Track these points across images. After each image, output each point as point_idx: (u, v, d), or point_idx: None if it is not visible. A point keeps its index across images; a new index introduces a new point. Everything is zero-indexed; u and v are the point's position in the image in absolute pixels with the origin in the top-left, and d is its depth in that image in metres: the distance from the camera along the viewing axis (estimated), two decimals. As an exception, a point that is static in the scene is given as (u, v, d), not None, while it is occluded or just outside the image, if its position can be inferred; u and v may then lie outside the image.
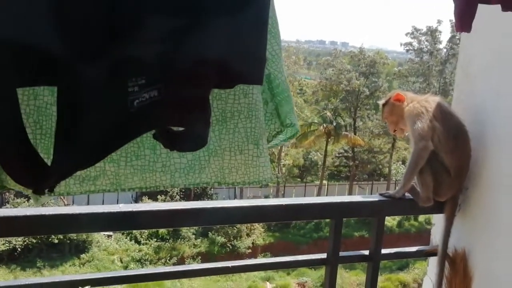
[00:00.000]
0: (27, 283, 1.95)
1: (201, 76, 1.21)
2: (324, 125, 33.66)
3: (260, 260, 2.36)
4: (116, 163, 1.41)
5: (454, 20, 1.74)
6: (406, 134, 2.53)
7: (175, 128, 1.24)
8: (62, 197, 26.36)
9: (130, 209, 1.88)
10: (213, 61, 1.22)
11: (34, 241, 23.55)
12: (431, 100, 2.42)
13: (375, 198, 2.39)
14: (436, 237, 2.53)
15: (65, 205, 21.68)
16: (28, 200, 24.89)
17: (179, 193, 28.83)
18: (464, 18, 1.62)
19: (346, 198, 2.35)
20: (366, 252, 2.39)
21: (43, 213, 1.74)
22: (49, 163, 1.08)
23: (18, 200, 25.30)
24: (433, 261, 2.53)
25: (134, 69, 1.09)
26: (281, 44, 1.55)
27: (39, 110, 1.26)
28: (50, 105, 1.26)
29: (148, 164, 1.46)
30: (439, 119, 2.35)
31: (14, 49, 0.98)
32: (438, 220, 2.55)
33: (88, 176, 1.40)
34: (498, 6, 1.53)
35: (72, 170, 1.13)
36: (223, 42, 1.25)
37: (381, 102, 2.56)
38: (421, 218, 31.39)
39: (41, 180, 1.07)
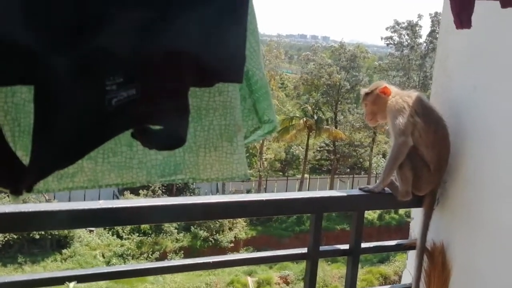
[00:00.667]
0: (12, 280, 1.95)
1: (180, 74, 1.21)
2: (306, 119, 33.76)
3: (241, 255, 2.38)
4: (93, 160, 1.41)
5: (451, 18, 1.75)
6: (385, 127, 2.55)
7: (153, 127, 1.24)
8: (43, 194, 26.20)
9: (110, 206, 1.89)
10: (191, 59, 1.22)
11: (15, 236, 23.27)
12: (413, 95, 2.44)
13: (355, 192, 2.41)
14: (415, 230, 2.57)
15: (46, 201, 21.42)
16: (8, 196, 24.57)
17: (161, 188, 28.73)
18: (463, 15, 1.63)
19: (327, 193, 2.37)
20: (346, 247, 2.42)
21: (22, 210, 1.73)
22: (27, 161, 1.07)
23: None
24: (412, 254, 2.57)
25: (111, 68, 1.08)
26: (259, 41, 1.55)
27: (17, 107, 1.25)
28: (28, 102, 1.25)
29: (125, 160, 1.46)
30: (420, 114, 2.37)
31: None
32: (417, 214, 2.58)
33: (66, 173, 1.39)
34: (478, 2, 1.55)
35: (50, 170, 1.13)
36: (201, 40, 1.25)
37: (365, 90, 2.56)
38: (401, 211, 31.66)
39: (18, 181, 1.06)
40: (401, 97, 2.43)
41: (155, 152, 1.48)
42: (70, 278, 1.89)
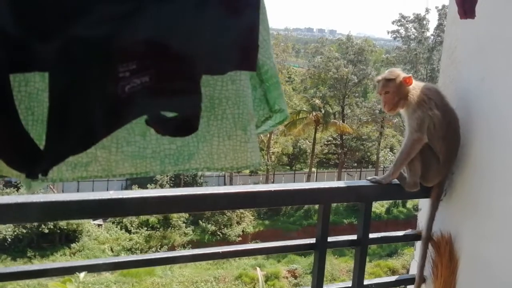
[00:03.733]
0: (24, 270, 1.97)
1: (193, 61, 1.22)
2: (313, 113, 33.69)
3: (250, 245, 2.39)
4: (107, 150, 1.42)
5: (457, 8, 1.74)
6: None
7: (166, 113, 1.25)
8: (51, 186, 26.31)
9: (120, 196, 1.90)
10: (204, 47, 1.23)
11: (25, 231, 23.43)
12: (431, 87, 2.43)
13: (362, 183, 2.42)
14: (422, 221, 2.57)
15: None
16: (17, 190, 24.74)
17: (169, 182, 28.81)
18: (466, 5, 1.62)
19: (334, 184, 2.37)
20: (354, 237, 2.42)
21: (34, 201, 1.75)
22: (41, 149, 1.09)
23: (8, 190, 25.15)
24: (419, 245, 2.57)
25: (124, 55, 1.09)
26: (269, 30, 1.55)
27: (30, 96, 1.27)
28: (41, 91, 1.27)
29: (139, 150, 1.47)
30: (440, 106, 2.36)
31: (4, 34, 0.99)
32: (424, 205, 2.59)
33: (80, 162, 1.40)
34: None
35: (64, 155, 1.14)
36: (215, 28, 1.26)
37: (384, 76, 2.45)
38: (410, 204, 31.63)
39: (34, 164, 1.08)
40: (421, 89, 2.40)
41: (169, 142, 1.49)
42: (80, 268, 1.92)
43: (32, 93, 1.28)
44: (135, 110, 1.18)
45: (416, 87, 2.41)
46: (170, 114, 1.25)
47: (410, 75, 2.44)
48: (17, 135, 1.06)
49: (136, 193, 1.96)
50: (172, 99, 1.21)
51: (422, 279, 2.54)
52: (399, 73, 2.44)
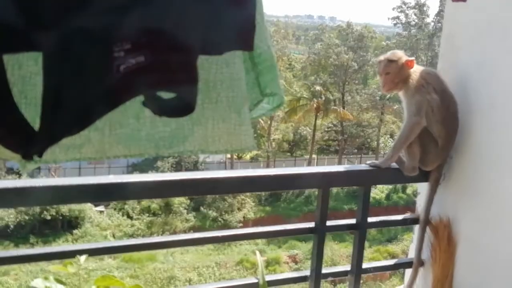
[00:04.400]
0: (25, 253, 1.99)
1: (188, 40, 1.21)
2: (314, 100, 33.65)
3: (249, 229, 2.41)
4: (100, 132, 1.41)
5: None
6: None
7: (162, 94, 1.25)
8: (53, 173, 26.35)
9: (119, 180, 1.91)
10: (200, 26, 1.22)
11: (27, 217, 23.52)
12: (430, 72, 2.44)
13: (361, 167, 2.43)
14: (421, 205, 2.58)
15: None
16: (19, 177, 24.79)
17: (170, 169, 28.87)
18: None
19: (333, 168, 2.39)
20: (353, 221, 2.44)
21: (33, 185, 1.76)
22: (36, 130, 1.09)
23: (10, 177, 25.21)
24: (418, 228, 2.59)
25: (119, 34, 1.09)
26: (263, 13, 1.53)
27: (23, 80, 1.26)
28: (34, 74, 1.26)
29: (132, 132, 1.46)
30: (438, 91, 2.37)
31: None
32: (423, 189, 2.60)
33: (73, 144, 1.40)
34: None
35: (59, 136, 1.14)
36: (211, 6, 1.26)
37: (386, 57, 2.45)
38: (409, 190, 31.67)
39: (29, 145, 1.08)
40: (420, 74, 2.41)
41: (163, 124, 1.49)
42: (82, 252, 1.93)
43: (25, 77, 1.27)
44: (131, 90, 1.18)
45: (416, 71, 2.42)
46: (166, 95, 1.25)
47: (413, 58, 2.44)
48: (11, 116, 1.06)
49: (136, 177, 1.97)
50: (168, 79, 1.20)
51: (420, 263, 2.56)
52: (402, 55, 2.44)
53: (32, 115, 1.28)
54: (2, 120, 1.06)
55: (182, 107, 1.27)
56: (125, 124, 1.45)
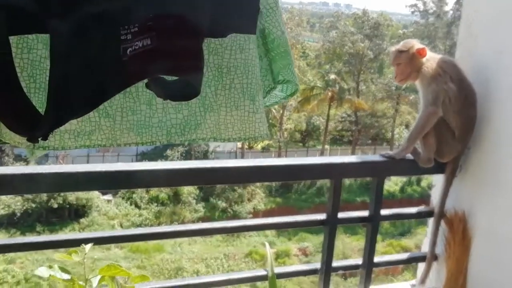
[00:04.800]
0: (30, 241, 1.97)
1: (193, 23, 1.19)
2: (328, 89, 33.46)
3: (259, 220, 2.37)
4: (111, 118, 1.40)
5: None
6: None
7: (167, 77, 1.22)
8: (61, 160, 26.54)
9: (128, 168, 1.89)
10: (204, 9, 1.19)
11: (34, 205, 23.69)
12: (447, 60, 2.37)
13: (375, 158, 2.37)
14: (436, 198, 2.53)
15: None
16: (27, 164, 24.99)
17: (179, 158, 28.94)
18: None
19: (346, 159, 2.33)
20: (366, 213, 2.39)
21: (41, 172, 1.74)
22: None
23: (17, 164, 25.42)
24: (432, 222, 2.54)
25: (126, 17, 1.07)
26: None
27: (33, 63, 1.25)
28: (44, 58, 1.24)
29: (144, 119, 1.45)
30: (455, 80, 2.30)
31: None
32: (438, 181, 2.54)
33: (83, 130, 1.38)
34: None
35: (65, 118, 1.12)
36: None
37: (397, 48, 2.41)
38: (424, 183, 31.50)
39: (34, 127, 1.06)
40: (436, 62, 2.34)
41: (175, 111, 1.46)
42: (88, 240, 1.90)
43: (35, 61, 1.25)
44: (138, 74, 1.16)
45: (432, 59, 2.35)
46: (170, 78, 1.22)
47: (424, 46, 2.37)
48: (17, 99, 1.04)
49: (144, 165, 1.93)
50: (173, 62, 1.18)
51: (434, 257, 2.51)
52: (413, 44, 2.38)
53: (41, 99, 1.26)
54: (8, 103, 1.04)
55: (187, 91, 1.24)
56: (137, 111, 1.43)
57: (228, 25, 1.30)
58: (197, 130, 1.51)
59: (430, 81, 2.31)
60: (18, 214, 23.52)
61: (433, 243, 2.47)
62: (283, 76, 1.59)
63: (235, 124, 1.53)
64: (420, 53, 2.34)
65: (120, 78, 1.12)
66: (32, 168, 1.77)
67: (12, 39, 1.15)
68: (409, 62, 2.37)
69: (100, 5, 1.04)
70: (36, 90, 1.28)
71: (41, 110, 1.19)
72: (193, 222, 25.52)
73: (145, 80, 1.23)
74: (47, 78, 1.28)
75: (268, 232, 22.05)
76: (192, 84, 1.23)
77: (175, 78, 1.22)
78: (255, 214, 27.33)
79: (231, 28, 1.34)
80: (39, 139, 1.10)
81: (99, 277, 1.67)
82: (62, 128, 1.27)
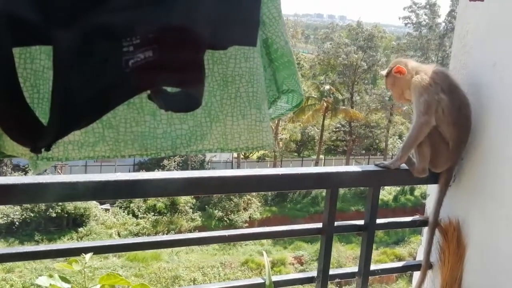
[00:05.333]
0: (30, 250, 1.98)
1: (195, 36, 1.20)
2: (322, 100, 33.55)
3: (256, 229, 2.38)
4: (115, 129, 1.40)
5: None
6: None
7: (169, 89, 1.23)
8: (59, 170, 26.43)
9: (127, 178, 1.88)
10: (206, 21, 1.21)
11: (32, 214, 23.64)
12: (439, 71, 2.38)
13: (370, 168, 2.40)
14: (430, 207, 2.55)
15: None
16: (25, 174, 24.92)
17: (176, 167, 28.90)
18: None
19: (342, 168, 2.35)
20: (361, 222, 2.41)
21: (40, 181, 1.74)
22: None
23: (16, 174, 25.32)
24: (427, 231, 2.56)
25: (128, 29, 1.08)
26: (280, 9, 1.51)
27: (36, 74, 1.26)
28: (47, 69, 1.25)
29: (149, 130, 1.44)
30: (446, 91, 2.32)
31: (7, 7, 0.97)
32: (433, 191, 2.57)
33: (86, 142, 1.39)
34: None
35: (68, 129, 1.13)
36: (215, 3, 1.24)
37: (383, 72, 2.51)
38: (417, 192, 31.55)
39: (38, 138, 1.07)
40: (426, 73, 2.37)
41: (180, 122, 1.46)
42: (86, 250, 1.92)
43: (38, 71, 1.26)
44: (139, 85, 1.17)
45: (423, 71, 2.39)
46: (172, 89, 1.23)
47: (398, 65, 2.44)
48: (20, 110, 1.05)
49: (142, 175, 1.94)
50: (175, 74, 1.19)
51: (429, 265, 2.53)
52: (394, 65, 2.46)
53: (45, 109, 1.27)
54: (12, 114, 1.05)
55: (189, 102, 1.26)
56: (141, 122, 1.42)
57: (228, 38, 1.32)
58: (203, 140, 1.50)
59: (422, 91, 2.34)
60: (17, 223, 23.42)
61: (428, 252, 2.49)
62: (287, 86, 1.59)
63: (242, 134, 1.52)
64: (399, 71, 2.41)
65: (122, 89, 1.13)
66: (32, 178, 1.77)
67: (15, 50, 1.16)
68: (395, 83, 2.45)
69: (103, 17, 1.05)
70: (40, 100, 1.29)
71: (44, 120, 1.20)
72: (190, 231, 25.48)
73: (148, 92, 1.24)
74: (50, 88, 1.30)
75: (264, 240, 21.99)
76: (194, 96, 1.24)
77: (177, 89, 1.23)
78: (251, 223, 27.31)
79: (231, 40, 1.35)
80: (42, 149, 1.11)
81: (99, 286, 1.69)
82: (65, 139, 1.28)
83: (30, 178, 1.76)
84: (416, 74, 2.38)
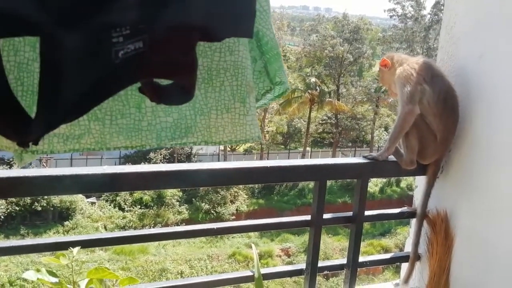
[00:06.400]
0: (18, 244, 1.95)
1: (187, 27, 1.18)
2: (308, 92, 33.59)
3: (245, 222, 2.38)
4: (101, 122, 1.39)
5: None
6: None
7: (161, 81, 1.21)
8: (44, 164, 26.24)
9: (114, 171, 1.87)
10: (199, 12, 1.19)
11: (17, 208, 23.44)
12: (422, 62, 2.39)
13: (359, 160, 2.40)
14: (418, 199, 2.56)
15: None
16: (10, 168, 24.70)
17: (162, 160, 28.81)
18: None
19: (330, 161, 2.36)
20: (350, 214, 2.41)
21: (26, 175, 1.72)
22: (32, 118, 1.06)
23: (0, 168, 25.10)
24: (415, 223, 2.57)
25: (118, 19, 1.05)
26: (269, 1, 1.51)
27: (20, 66, 1.23)
28: (31, 61, 1.23)
29: (134, 122, 1.43)
30: (429, 82, 2.33)
31: None
32: (420, 182, 2.58)
33: (72, 134, 1.37)
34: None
35: (56, 123, 1.11)
36: None
37: (376, 68, 2.55)
38: (403, 184, 31.78)
39: (25, 132, 1.05)
40: (409, 64, 2.39)
41: (165, 114, 1.46)
42: (73, 244, 1.90)
43: (22, 63, 1.24)
44: (129, 77, 1.14)
45: (407, 62, 2.42)
46: (164, 81, 1.21)
47: (383, 58, 2.49)
48: (7, 103, 1.02)
49: (130, 168, 1.93)
50: (166, 65, 1.17)
51: (417, 257, 2.54)
52: (380, 60, 2.51)
53: (29, 102, 1.25)
54: None
55: (181, 95, 1.24)
56: (126, 114, 1.42)
57: (224, 29, 1.30)
58: (188, 133, 1.50)
59: (404, 82, 2.35)
60: (2, 217, 23.21)
61: (416, 244, 2.50)
62: (279, 78, 1.60)
63: (226, 127, 1.53)
64: (384, 65, 2.46)
65: (112, 81, 1.11)
66: (18, 172, 1.74)
67: None
68: (384, 77, 2.51)
69: (92, 6, 1.03)
70: (24, 93, 1.26)
71: (29, 113, 1.17)
72: (176, 224, 25.45)
73: (138, 84, 1.22)
74: (35, 81, 1.27)
75: (251, 233, 22.05)
76: (186, 88, 1.23)
77: (168, 81, 1.21)
78: (238, 215, 27.34)
79: (227, 32, 1.34)
80: (30, 143, 1.09)
81: (87, 280, 1.67)
82: (51, 132, 1.26)
83: (15, 172, 1.73)
84: (399, 66, 2.39)
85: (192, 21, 1.18)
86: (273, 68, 1.59)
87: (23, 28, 1.01)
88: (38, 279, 1.62)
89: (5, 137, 1.08)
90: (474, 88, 2.35)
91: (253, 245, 2.40)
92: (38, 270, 1.64)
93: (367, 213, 2.43)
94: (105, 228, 24.68)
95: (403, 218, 2.68)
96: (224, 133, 1.53)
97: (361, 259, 2.47)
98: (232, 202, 28.32)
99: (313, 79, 34.27)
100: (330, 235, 25.03)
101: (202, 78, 1.40)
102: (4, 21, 0.97)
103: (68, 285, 1.66)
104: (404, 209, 2.62)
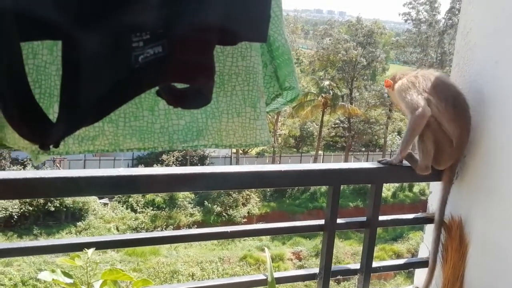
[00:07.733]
0: (32, 245, 1.97)
1: (205, 30, 1.19)
2: (321, 95, 33.54)
3: (259, 225, 2.39)
4: (114, 124, 1.41)
5: None
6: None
7: (179, 85, 1.22)
8: (58, 164, 26.46)
9: (129, 173, 1.88)
10: (216, 17, 1.20)
11: (31, 208, 23.65)
12: (420, 75, 2.40)
13: (373, 165, 2.39)
14: (433, 205, 2.55)
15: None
16: (24, 168, 24.93)
17: (175, 162, 28.92)
18: None
19: (344, 165, 2.34)
20: (364, 219, 2.40)
21: (42, 176, 1.74)
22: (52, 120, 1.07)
23: (14, 168, 25.34)
24: (429, 228, 2.55)
25: (138, 24, 1.06)
26: (281, 6, 1.52)
27: (38, 69, 1.25)
28: (49, 64, 1.25)
29: (147, 125, 1.46)
30: (432, 93, 2.32)
31: (14, 0, 0.96)
32: (435, 188, 2.56)
33: (87, 136, 1.39)
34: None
35: (77, 125, 1.12)
36: None
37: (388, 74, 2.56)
38: (416, 189, 31.61)
39: (47, 135, 1.06)
40: (407, 78, 2.41)
41: (178, 117, 1.47)
42: (87, 245, 1.91)
43: (40, 66, 1.26)
44: (148, 81, 1.16)
45: (404, 76, 2.45)
46: (181, 85, 1.22)
47: (386, 79, 2.53)
48: (30, 107, 1.04)
49: (145, 170, 1.93)
50: (185, 70, 1.18)
51: (435, 264, 2.51)
52: (384, 82, 2.57)
53: (46, 105, 1.26)
54: (20, 110, 1.03)
55: (199, 99, 1.25)
56: (140, 117, 1.44)
57: (239, 33, 1.30)
58: (199, 136, 1.52)
59: (402, 94, 2.38)
60: (16, 217, 23.42)
61: (435, 251, 2.45)
62: (289, 83, 1.61)
63: (237, 131, 1.54)
64: (387, 86, 2.51)
65: (132, 86, 1.12)
66: (33, 173, 1.76)
67: None
68: (392, 97, 2.54)
69: (113, 11, 1.04)
70: (41, 95, 1.28)
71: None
72: (188, 226, 25.51)
73: (157, 88, 1.23)
74: (53, 84, 1.28)
75: (262, 236, 22.05)
76: (203, 92, 1.23)
77: (186, 85, 1.22)
78: (249, 218, 27.35)
79: (242, 35, 1.34)
80: (51, 146, 1.10)
81: (101, 281, 1.68)
82: (68, 134, 1.27)
83: (32, 173, 1.75)
84: (399, 80, 2.42)
85: (210, 25, 1.19)
86: (283, 73, 1.60)
87: (46, 32, 1.02)
88: (53, 279, 1.63)
89: (26, 139, 1.09)
90: (489, 94, 2.34)
91: (266, 249, 2.39)
92: (53, 271, 1.66)
93: (381, 218, 2.42)
94: (117, 229, 24.82)
95: (418, 224, 2.66)
96: (234, 136, 1.55)
97: (375, 264, 2.45)
98: (244, 205, 28.33)
99: (326, 83, 34.22)
100: (341, 239, 24.94)
101: (215, 83, 1.42)
102: (29, 26, 0.98)
103: (82, 286, 1.67)
104: (419, 214, 2.60)
